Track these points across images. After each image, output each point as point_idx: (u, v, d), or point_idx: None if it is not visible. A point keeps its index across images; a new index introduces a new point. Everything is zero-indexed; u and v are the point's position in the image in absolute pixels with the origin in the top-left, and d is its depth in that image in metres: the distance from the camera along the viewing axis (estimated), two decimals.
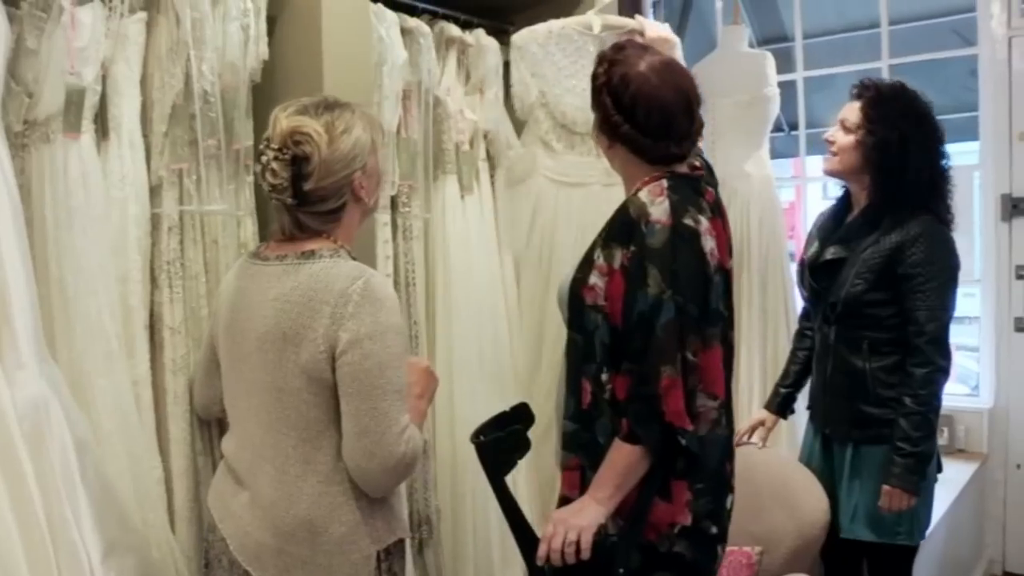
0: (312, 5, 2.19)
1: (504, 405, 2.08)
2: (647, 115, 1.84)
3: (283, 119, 1.67)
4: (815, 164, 6.79)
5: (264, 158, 1.66)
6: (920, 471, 2.32)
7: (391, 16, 2.47)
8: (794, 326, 3.37)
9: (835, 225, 2.55)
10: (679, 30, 4.07)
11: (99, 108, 1.92)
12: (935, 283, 2.33)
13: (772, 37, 4.28)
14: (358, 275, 1.66)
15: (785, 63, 3.61)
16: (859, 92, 2.46)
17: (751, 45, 3.69)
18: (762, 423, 2.71)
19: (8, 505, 1.57)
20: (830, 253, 2.47)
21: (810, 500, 2.47)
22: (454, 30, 2.76)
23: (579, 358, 1.88)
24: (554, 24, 2.80)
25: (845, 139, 2.43)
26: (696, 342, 1.79)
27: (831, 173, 2.53)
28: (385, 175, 1.73)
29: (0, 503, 1.56)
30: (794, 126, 3.85)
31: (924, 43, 3.78)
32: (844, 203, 2.58)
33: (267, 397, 1.70)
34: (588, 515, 1.78)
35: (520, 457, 1.99)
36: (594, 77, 1.91)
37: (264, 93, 2.25)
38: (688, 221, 1.80)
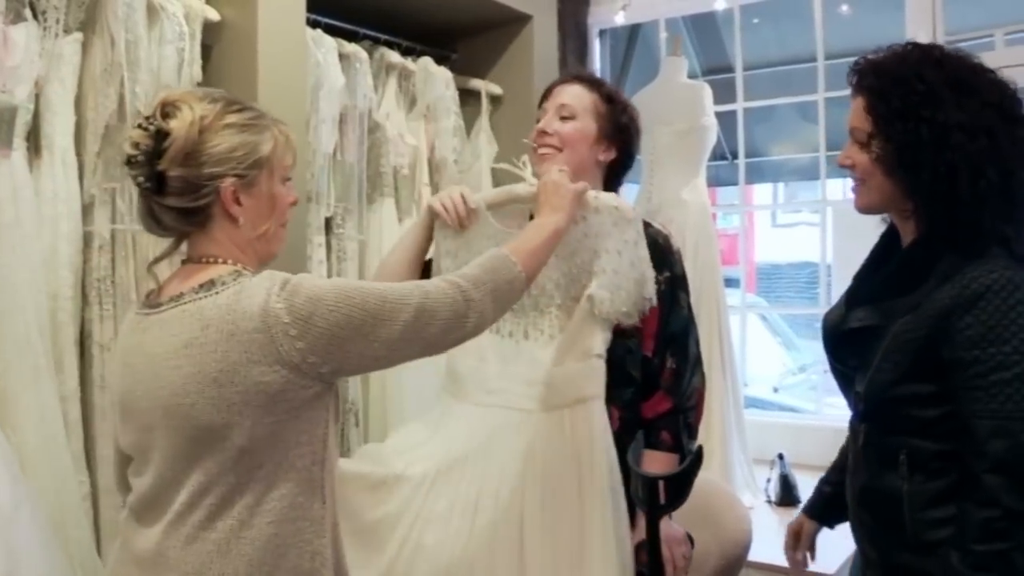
0: (248, 30, 2.24)
1: None
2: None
3: (167, 92, 1.46)
4: (764, 192, 7.01)
5: (132, 126, 1.43)
6: None
7: (329, 42, 2.53)
8: (728, 359, 3.21)
9: (870, 274, 1.69)
10: (625, 59, 4.18)
11: (32, 126, 1.96)
12: (1005, 373, 1.39)
13: (717, 68, 4.38)
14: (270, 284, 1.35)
15: (730, 93, 3.70)
16: (857, 81, 1.58)
17: (695, 76, 3.77)
18: (800, 530, 1.90)
19: None
20: (857, 319, 1.60)
21: (732, 520, 2.50)
22: (394, 56, 2.82)
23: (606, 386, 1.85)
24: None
25: (863, 157, 1.56)
26: None
27: (867, 210, 1.63)
28: (283, 210, 1.48)
29: None
30: (737, 154, 3.93)
31: None
32: (890, 241, 1.68)
33: None
34: (678, 528, 1.88)
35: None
36: (622, 115, 1.99)
37: None
38: None
